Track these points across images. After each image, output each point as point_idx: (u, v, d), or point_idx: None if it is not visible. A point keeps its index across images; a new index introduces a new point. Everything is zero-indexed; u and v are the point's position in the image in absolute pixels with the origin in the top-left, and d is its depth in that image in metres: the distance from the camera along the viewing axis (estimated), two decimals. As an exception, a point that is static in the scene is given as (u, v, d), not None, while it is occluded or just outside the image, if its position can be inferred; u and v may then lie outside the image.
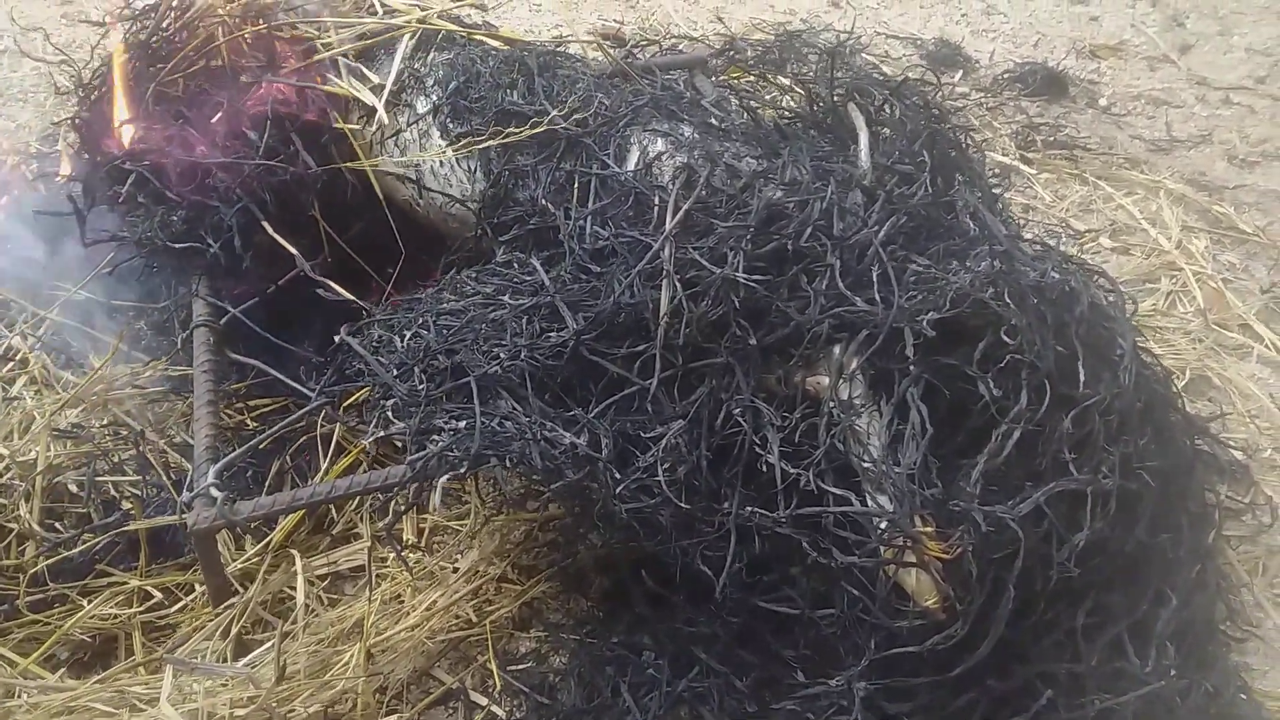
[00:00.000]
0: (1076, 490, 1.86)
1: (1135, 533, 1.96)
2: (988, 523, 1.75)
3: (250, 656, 1.87)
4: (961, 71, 3.94)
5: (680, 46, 3.85)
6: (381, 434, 1.96)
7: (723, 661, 1.95)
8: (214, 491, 1.87)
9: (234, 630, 1.90)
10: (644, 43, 3.90)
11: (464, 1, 2.62)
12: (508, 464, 1.83)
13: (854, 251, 1.95)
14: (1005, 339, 1.87)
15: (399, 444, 2.25)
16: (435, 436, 1.89)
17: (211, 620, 1.94)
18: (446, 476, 1.83)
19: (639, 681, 1.96)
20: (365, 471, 2.21)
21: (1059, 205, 3.29)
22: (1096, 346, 2.00)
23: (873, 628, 1.77)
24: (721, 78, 3.28)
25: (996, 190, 2.68)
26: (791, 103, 2.95)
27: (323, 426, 2.26)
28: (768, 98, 2.96)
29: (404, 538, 2.17)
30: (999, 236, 2.07)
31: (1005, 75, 3.91)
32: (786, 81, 3.14)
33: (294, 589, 2.01)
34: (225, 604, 1.96)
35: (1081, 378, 1.90)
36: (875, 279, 1.92)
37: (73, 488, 2.18)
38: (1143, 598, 2.00)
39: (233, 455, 1.94)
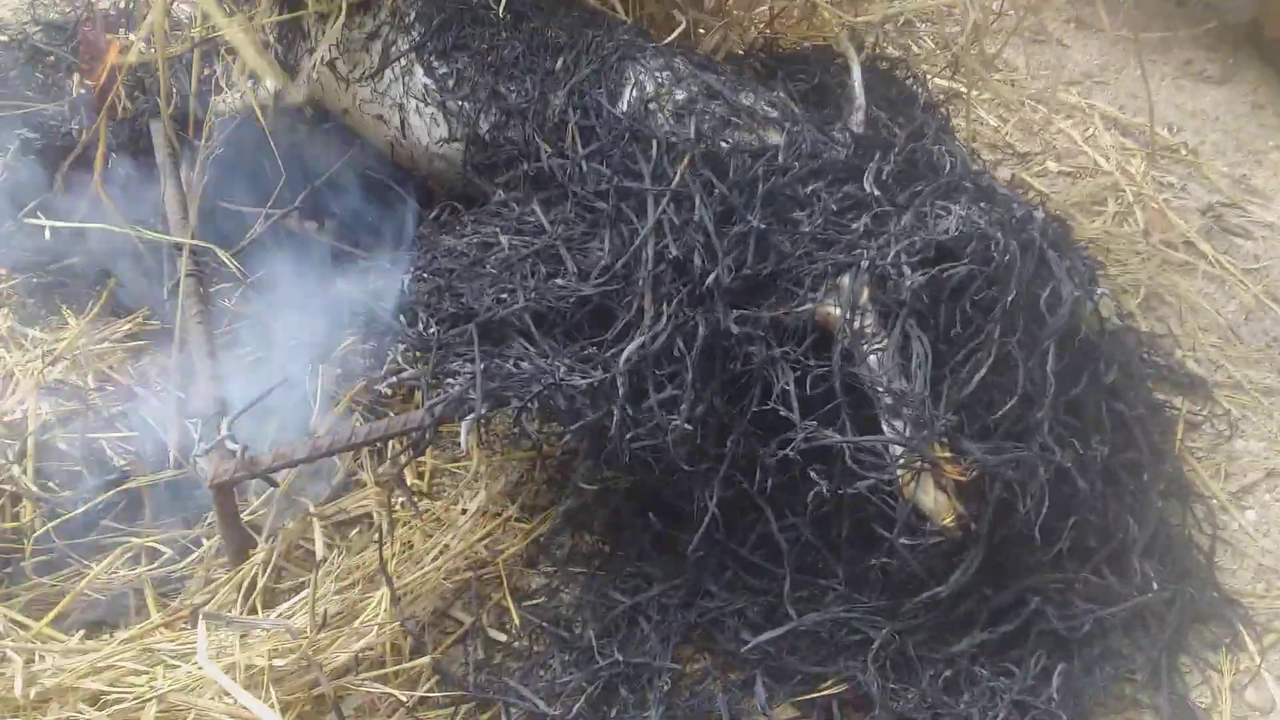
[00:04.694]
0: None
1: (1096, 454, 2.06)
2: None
3: (282, 608, 1.87)
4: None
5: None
6: (394, 379, 1.96)
7: (731, 590, 2.02)
8: (230, 443, 1.86)
9: (261, 582, 1.90)
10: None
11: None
12: (529, 406, 1.85)
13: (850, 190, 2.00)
14: (984, 270, 1.95)
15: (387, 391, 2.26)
16: (450, 380, 1.91)
17: (235, 574, 1.93)
18: (471, 418, 1.84)
19: (651, 612, 2.01)
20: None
21: (1003, 129, 3.37)
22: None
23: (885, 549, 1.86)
24: None
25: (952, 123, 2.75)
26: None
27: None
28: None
29: (409, 483, 2.18)
30: (972, 173, 2.15)
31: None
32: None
33: (307, 539, 2.01)
34: (246, 556, 1.95)
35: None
36: (872, 217, 1.98)
37: (62, 445, 2.13)
38: (1120, 515, 2.11)
39: (245, 408, 1.91)
